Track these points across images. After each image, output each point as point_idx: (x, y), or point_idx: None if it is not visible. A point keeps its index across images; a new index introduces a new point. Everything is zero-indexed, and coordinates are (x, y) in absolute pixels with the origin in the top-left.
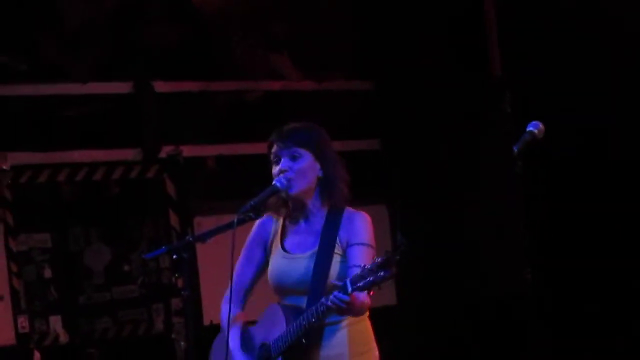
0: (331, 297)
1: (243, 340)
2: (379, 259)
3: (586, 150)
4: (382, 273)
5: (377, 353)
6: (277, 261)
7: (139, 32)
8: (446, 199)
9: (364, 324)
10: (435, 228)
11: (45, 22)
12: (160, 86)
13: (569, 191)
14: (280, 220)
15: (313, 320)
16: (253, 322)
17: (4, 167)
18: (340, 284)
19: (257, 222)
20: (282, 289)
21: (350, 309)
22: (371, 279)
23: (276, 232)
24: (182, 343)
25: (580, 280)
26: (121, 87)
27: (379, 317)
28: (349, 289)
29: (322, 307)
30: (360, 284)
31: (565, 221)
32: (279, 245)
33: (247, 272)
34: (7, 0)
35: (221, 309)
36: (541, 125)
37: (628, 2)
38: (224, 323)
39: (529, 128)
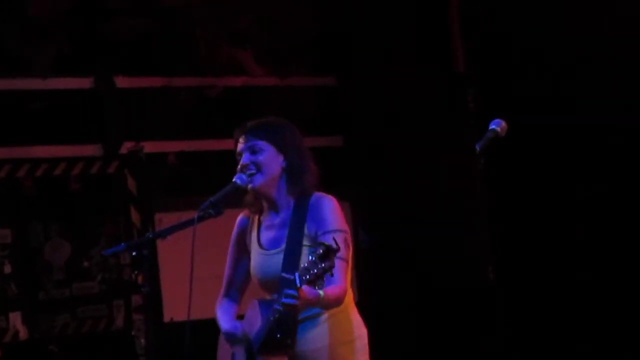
0: (283, 294)
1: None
2: (320, 250)
3: (549, 148)
4: (322, 264)
5: (364, 341)
6: (255, 258)
7: (100, 27)
8: (409, 196)
9: (345, 314)
10: (397, 225)
11: (7, 14)
12: (122, 81)
13: (532, 189)
14: (257, 217)
15: (276, 316)
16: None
17: None
18: (290, 277)
19: (237, 222)
20: (262, 284)
21: (305, 304)
22: (315, 270)
23: (252, 229)
24: (143, 340)
25: (544, 272)
26: (82, 82)
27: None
28: (298, 283)
29: (274, 308)
30: (307, 276)
31: (528, 218)
32: (256, 242)
33: (234, 272)
34: None
35: (216, 311)
36: (504, 123)
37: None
38: (220, 323)
39: (492, 126)
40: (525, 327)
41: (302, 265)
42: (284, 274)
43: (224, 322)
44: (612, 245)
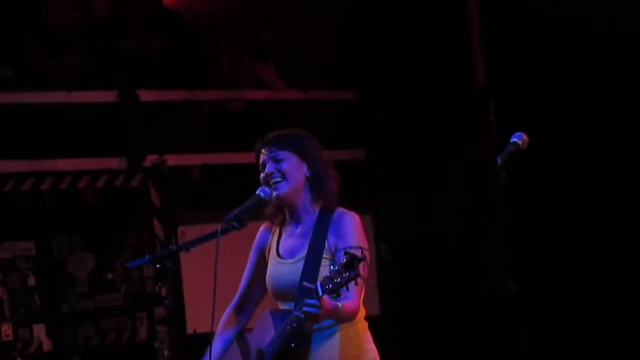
0: (303, 304)
1: (239, 347)
2: (343, 259)
3: (572, 161)
4: (347, 274)
5: (373, 355)
6: (272, 267)
7: (124, 41)
8: (430, 209)
9: (356, 327)
10: (419, 238)
11: (30, 29)
12: (145, 95)
13: (553, 202)
14: (278, 228)
15: (294, 325)
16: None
17: None
18: (311, 286)
19: (258, 233)
20: (276, 294)
21: (325, 314)
22: (339, 280)
23: (272, 239)
24: (166, 352)
25: (565, 289)
26: (106, 96)
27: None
28: (320, 292)
29: (294, 315)
30: (330, 285)
31: (549, 230)
32: (274, 252)
33: (250, 282)
34: None
35: (220, 324)
36: (525, 136)
37: (614, 12)
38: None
39: (513, 139)
40: (548, 340)
41: (324, 275)
42: (305, 283)
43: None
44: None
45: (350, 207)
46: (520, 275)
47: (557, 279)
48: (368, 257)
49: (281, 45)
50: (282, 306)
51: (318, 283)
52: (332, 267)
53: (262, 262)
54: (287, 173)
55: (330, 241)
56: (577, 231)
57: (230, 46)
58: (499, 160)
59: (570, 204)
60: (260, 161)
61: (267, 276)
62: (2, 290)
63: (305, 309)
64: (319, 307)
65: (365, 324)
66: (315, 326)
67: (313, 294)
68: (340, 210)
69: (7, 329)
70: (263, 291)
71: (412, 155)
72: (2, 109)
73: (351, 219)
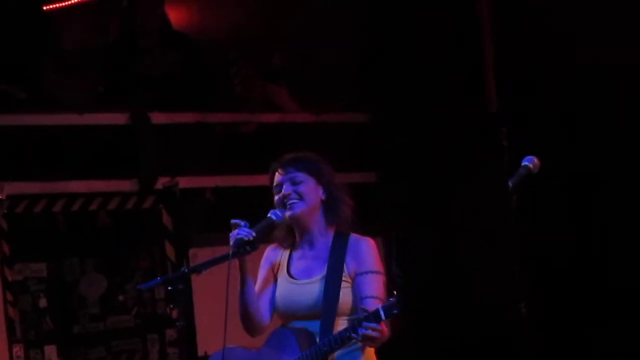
0: (362, 325)
1: None
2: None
3: (582, 184)
4: (396, 311)
5: None
6: (284, 287)
7: (136, 63)
8: (442, 232)
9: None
10: (430, 261)
11: (45, 51)
12: (157, 117)
13: (564, 225)
14: (287, 250)
15: (336, 346)
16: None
17: (0, 197)
18: (371, 310)
19: (266, 251)
20: (290, 314)
21: (382, 338)
22: (397, 310)
23: (282, 259)
24: None
25: (578, 311)
26: (118, 118)
27: (375, 349)
28: (383, 316)
29: (347, 334)
30: (395, 311)
31: (560, 253)
32: (285, 272)
33: (264, 291)
34: (7, 29)
35: None
36: (536, 160)
37: (628, 39)
38: None
39: (524, 162)
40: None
41: (390, 299)
42: (362, 307)
43: None
44: None
45: (362, 230)
46: (533, 297)
47: (573, 299)
48: (385, 282)
49: (294, 67)
50: (293, 325)
51: (380, 307)
52: (392, 299)
53: (270, 279)
54: (304, 195)
55: (349, 265)
56: (590, 255)
57: (243, 68)
58: (510, 183)
59: (584, 225)
60: (275, 182)
61: (278, 295)
62: (13, 312)
63: (365, 331)
64: (380, 331)
65: None
66: None
67: (374, 317)
68: (355, 235)
69: (18, 350)
70: (270, 306)
71: (424, 178)
72: (14, 131)
73: (368, 243)
